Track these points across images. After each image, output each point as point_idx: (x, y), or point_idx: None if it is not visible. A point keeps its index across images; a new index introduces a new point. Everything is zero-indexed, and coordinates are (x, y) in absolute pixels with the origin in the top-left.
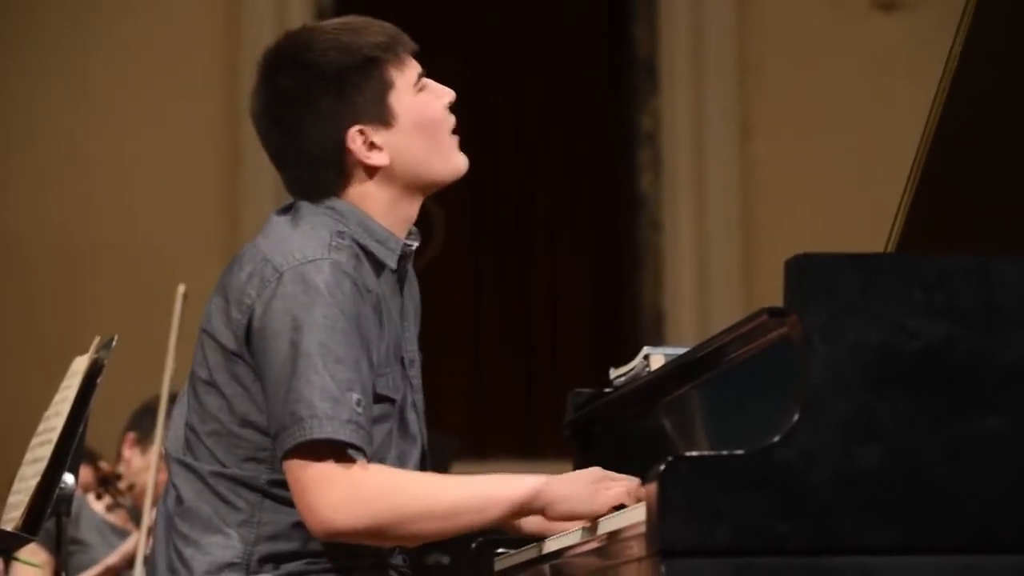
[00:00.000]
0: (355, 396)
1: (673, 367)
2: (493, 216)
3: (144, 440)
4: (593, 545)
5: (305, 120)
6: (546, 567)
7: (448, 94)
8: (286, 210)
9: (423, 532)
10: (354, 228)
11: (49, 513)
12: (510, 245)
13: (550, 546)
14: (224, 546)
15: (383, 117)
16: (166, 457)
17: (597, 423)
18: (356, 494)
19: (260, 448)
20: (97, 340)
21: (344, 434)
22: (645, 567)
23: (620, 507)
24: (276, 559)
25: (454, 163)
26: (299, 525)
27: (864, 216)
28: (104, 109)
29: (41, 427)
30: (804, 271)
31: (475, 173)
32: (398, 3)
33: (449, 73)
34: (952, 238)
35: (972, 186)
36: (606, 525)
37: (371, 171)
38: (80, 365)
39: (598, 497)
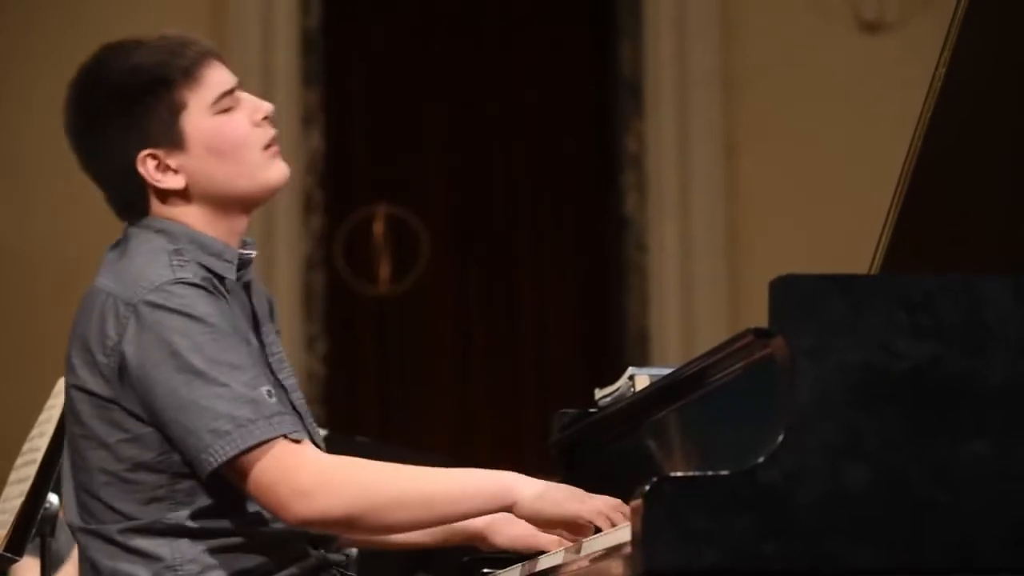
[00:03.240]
0: (265, 388)
1: (658, 387)
2: (479, 237)
3: None
4: (579, 566)
5: (98, 143)
6: None
7: (261, 109)
8: (115, 245)
9: (396, 521)
10: (187, 246)
11: (34, 533)
12: (496, 266)
13: (536, 566)
14: None
15: (174, 140)
16: (72, 533)
17: (582, 443)
18: (327, 480)
19: (156, 487)
20: None
21: (276, 428)
22: None
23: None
24: None
25: (263, 179)
26: (218, 550)
27: (850, 234)
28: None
29: (26, 447)
30: (788, 292)
31: (461, 193)
32: (383, 24)
33: (434, 94)
34: (938, 255)
35: (958, 203)
36: (590, 546)
37: (171, 192)
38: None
39: (570, 503)
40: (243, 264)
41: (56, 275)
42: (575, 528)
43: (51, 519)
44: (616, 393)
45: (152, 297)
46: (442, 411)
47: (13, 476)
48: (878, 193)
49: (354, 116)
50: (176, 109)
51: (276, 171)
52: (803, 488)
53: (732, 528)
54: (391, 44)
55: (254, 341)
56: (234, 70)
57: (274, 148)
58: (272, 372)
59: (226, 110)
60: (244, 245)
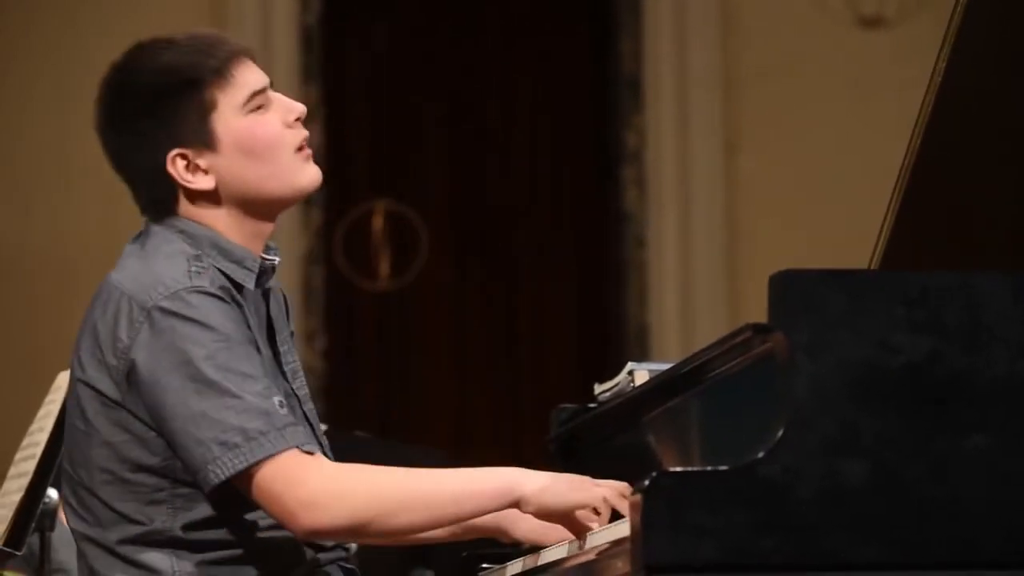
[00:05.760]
0: (277, 399)
1: (657, 382)
2: (478, 232)
3: None
4: (578, 561)
5: (128, 143)
6: None
7: (293, 110)
8: (137, 238)
9: (402, 526)
10: (208, 251)
11: (33, 528)
12: (495, 262)
13: (534, 562)
14: None
15: (205, 140)
16: (72, 532)
17: (581, 438)
18: (332, 489)
19: (157, 490)
20: None
21: (287, 440)
22: None
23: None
24: None
25: (294, 182)
26: (217, 562)
27: (850, 231)
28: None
29: (25, 442)
30: (788, 287)
31: (460, 189)
32: (383, 21)
33: (434, 90)
34: (937, 252)
35: (957, 200)
36: (591, 540)
37: (200, 193)
38: (64, 380)
39: (575, 493)
40: (264, 271)
41: (56, 275)
42: (577, 525)
43: (50, 514)
44: (615, 388)
45: (167, 304)
46: (441, 406)
47: (12, 471)
48: (877, 190)
49: (354, 113)
50: (207, 109)
51: (308, 174)
52: (802, 483)
53: (731, 523)
54: (391, 41)
55: (268, 350)
56: None
57: (306, 151)
58: (286, 380)
59: (257, 109)
60: (268, 250)
